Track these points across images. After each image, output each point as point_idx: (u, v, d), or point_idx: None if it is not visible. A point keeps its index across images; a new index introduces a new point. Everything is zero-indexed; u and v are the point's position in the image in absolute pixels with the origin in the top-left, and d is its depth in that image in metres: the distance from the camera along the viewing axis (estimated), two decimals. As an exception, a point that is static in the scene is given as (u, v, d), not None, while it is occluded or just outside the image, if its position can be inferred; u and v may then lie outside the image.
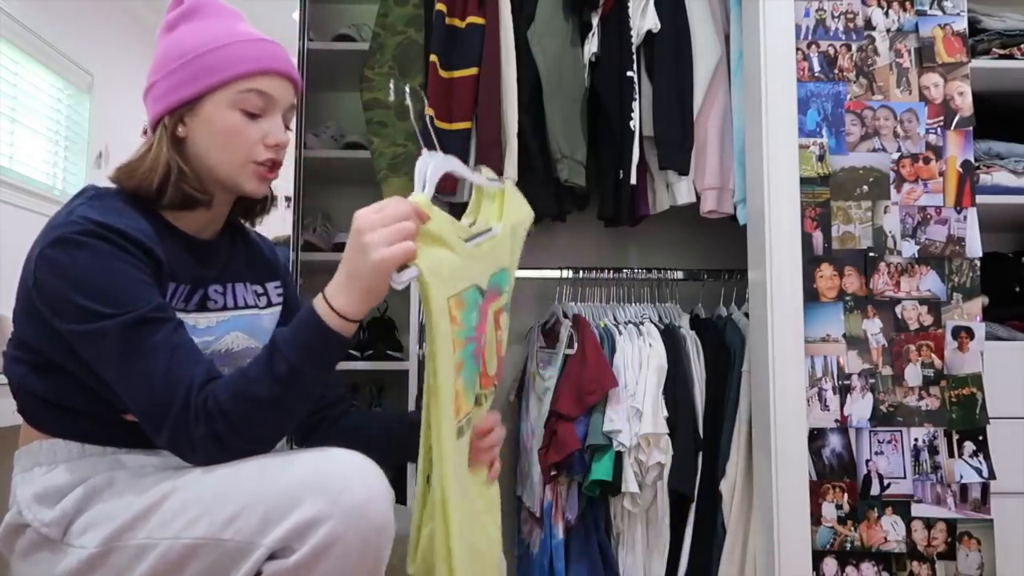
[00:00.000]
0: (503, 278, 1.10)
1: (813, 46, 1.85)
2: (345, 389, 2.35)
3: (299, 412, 0.97)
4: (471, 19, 2.05)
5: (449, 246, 0.96)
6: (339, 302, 0.91)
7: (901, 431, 1.75)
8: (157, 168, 1.05)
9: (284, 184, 2.21)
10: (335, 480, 0.86)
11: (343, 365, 2.14)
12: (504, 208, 1.13)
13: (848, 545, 1.73)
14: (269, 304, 1.20)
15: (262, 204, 1.22)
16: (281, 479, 0.88)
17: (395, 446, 1.19)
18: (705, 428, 1.99)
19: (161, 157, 1.05)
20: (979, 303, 1.79)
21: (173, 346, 0.93)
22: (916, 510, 1.74)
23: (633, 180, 2.04)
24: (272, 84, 1.07)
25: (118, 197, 1.05)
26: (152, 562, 0.90)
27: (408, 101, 1.18)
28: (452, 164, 1.04)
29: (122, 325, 0.92)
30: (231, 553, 0.87)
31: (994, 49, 2.00)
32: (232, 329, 1.10)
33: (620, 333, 2.05)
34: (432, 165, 0.99)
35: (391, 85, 1.18)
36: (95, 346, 0.94)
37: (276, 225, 2.21)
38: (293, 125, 2.13)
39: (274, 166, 1.10)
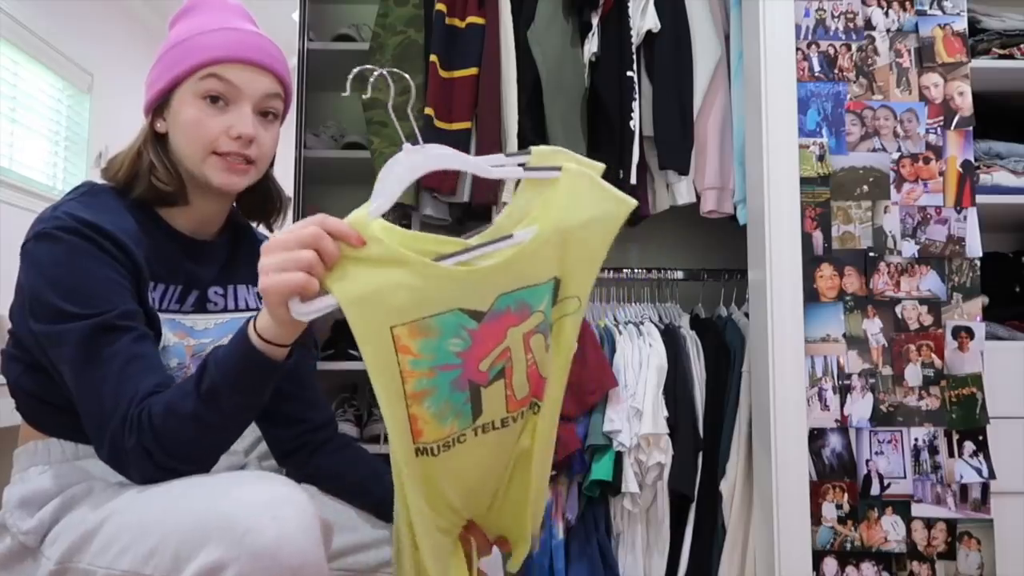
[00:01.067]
0: (534, 295, 0.89)
1: (813, 46, 1.85)
2: (347, 391, 2.35)
3: (226, 434, 0.93)
4: (471, 19, 2.06)
5: (406, 267, 0.81)
6: (260, 322, 0.85)
7: (901, 431, 1.75)
8: (125, 162, 1.05)
9: (284, 184, 2.21)
10: (241, 519, 0.79)
11: (343, 366, 2.16)
12: (553, 204, 0.89)
13: (848, 545, 1.73)
14: None
15: (273, 204, 1.19)
16: (192, 513, 0.82)
17: (375, 508, 1.12)
18: (705, 428, 2.00)
19: (131, 152, 1.05)
20: (979, 303, 1.79)
21: (129, 357, 0.91)
22: (916, 510, 1.74)
23: (633, 180, 2.04)
24: (236, 72, 1.03)
25: (110, 194, 1.04)
26: None
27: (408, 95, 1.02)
28: (437, 161, 0.86)
29: (84, 330, 0.90)
30: None
31: (994, 49, 2.00)
32: (231, 331, 1.09)
33: (620, 333, 2.05)
34: (397, 170, 0.84)
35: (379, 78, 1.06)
36: (57, 348, 0.93)
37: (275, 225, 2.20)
38: (293, 121, 2.12)
39: (247, 161, 1.05)
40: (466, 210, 2.15)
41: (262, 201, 1.19)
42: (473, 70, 2.04)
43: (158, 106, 1.06)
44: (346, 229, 0.80)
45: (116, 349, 0.91)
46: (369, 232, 0.81)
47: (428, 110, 2.03)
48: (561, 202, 0.89)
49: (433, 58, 2.04)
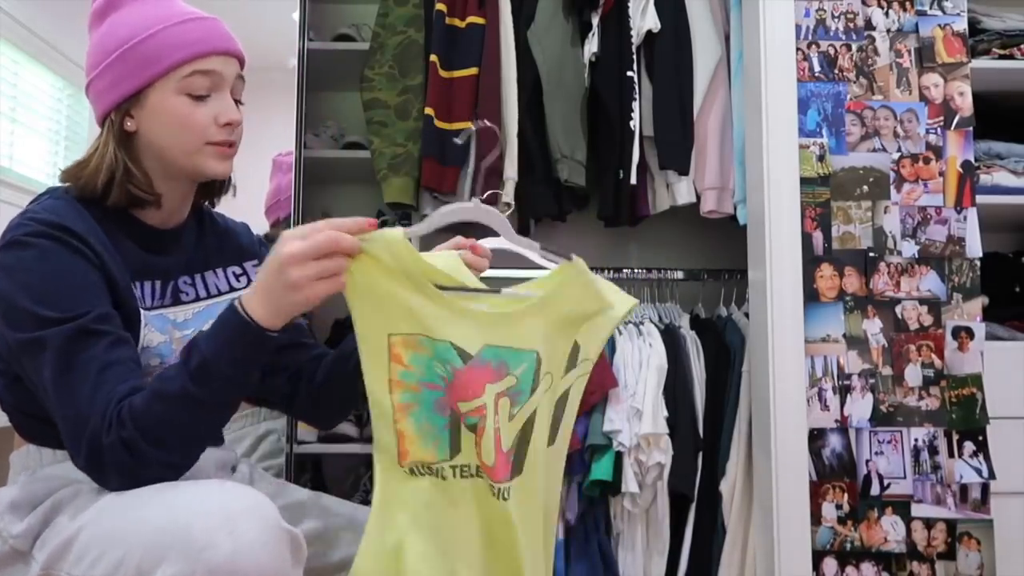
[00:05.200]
0: (514, 357, 0.94)
1: (813, 46, 1.85)
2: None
3: (214, 415, 0.91)
4: (471, 19, 2.05)
5: (415, 286, 0.90)
6: (257, 314, 0.87)
7: (901, 431, 1.75)
8: (102, 168, 1.02)
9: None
10: (198, 534, 0.78)
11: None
12: (555, 286, 0.97)
13: (848, 545, 1.73)
14: (250, 284, 1.15)
15: (220, 185, 1.18)
16: (154, 526, 0.82)
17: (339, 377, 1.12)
18: (705, 428, 1.99)
19: (107, 157, 1.03)
20: (979, 303, 1.79)
21: (105, 363, 0.90)
22: (916, 510, 1.74)
23: (633, 180, 2.04)
24: (216, 63, 1.04)
25: (73, 199, 1.02)
26: None
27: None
28: (482, 215, 1.01)
29: (60, 335, 0.89)
30: None
31: (994, 49, 2.00)
32: (209, 318, 1.06)
33: (620, 333, 2.05)
34: (442, 213, 0.98)
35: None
36: (35, 357, 0.91)
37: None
38: (293, 121, 2.11)
39: (231, 145, 1.07)
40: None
41: (212, 181, 1.16)
42: (473, 70, 2.04)
43: (122, 104, 1.03)
44: (352, 245, 0.87)
45: (92, 355, 0.89)
46: (398, 250, 0.89)
47: (428, 110, 2.03)
48: (566, 288, 0.97)
49: (433, 58, 2.04)
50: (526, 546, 0.94)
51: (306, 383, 1.15)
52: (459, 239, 1.07)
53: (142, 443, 0.85)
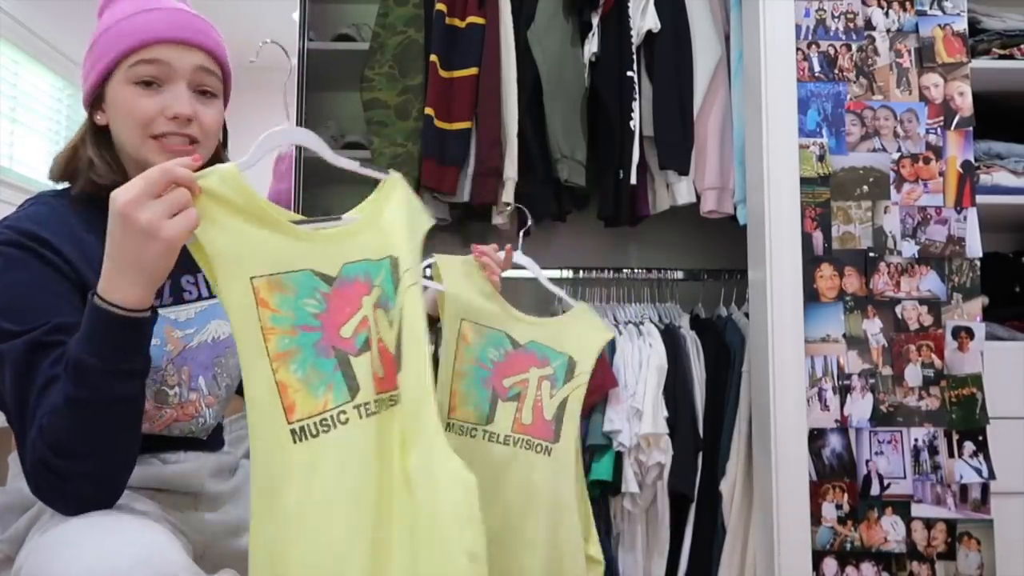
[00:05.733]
0: (370, 269, 0.96)
1: (813, 46, 1.85)
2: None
3: (111, 415, 0.85)
4: (471, 19, 2.06)
5: (266, 222, 0.86)
6: (115, 296, 0.81)
7: (901, 431, 1.75)
8: (63, 157, 1.04)
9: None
10: None
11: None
12: (384, 196, 1.04)
13: (848, 545, 1.73)
14: None
15: None
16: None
17: None
18: (705, 428, 1.99)
19: (70, 145, 1.05)
20: (979, 303, 1.79)
21: (48, 379, 0.86)
22: (916, 510, 1.74)
23: (633, 180, 2.04)
24: (164, 52, 1.01)
25: (59, 200, 1.02)
26: None
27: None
28: (299, 137, 1.06)
29: (15, 350, 0.87)
30: None
31: (994, 49, 2.00)
32: (212, 318, 1.07)
33: (620, 333, 2.05)
34: (265, 138, 0.93)
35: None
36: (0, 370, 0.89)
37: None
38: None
39: (190, 141, 1.02)
40: (466, 210, 2.15)
41: None
42: (473, 70, 2.04)
43: (95, 99, 1.04)
44: (186, 174, 0.81)
45: (40, 370, 0.86)
46: (238, 183, 0.85)
47: (428, 110, 2.03)
48: (387, 198, 1.05)
49: (433, 58, 2.04)
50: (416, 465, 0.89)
51: None
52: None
53: (54, 459, 0.83)
